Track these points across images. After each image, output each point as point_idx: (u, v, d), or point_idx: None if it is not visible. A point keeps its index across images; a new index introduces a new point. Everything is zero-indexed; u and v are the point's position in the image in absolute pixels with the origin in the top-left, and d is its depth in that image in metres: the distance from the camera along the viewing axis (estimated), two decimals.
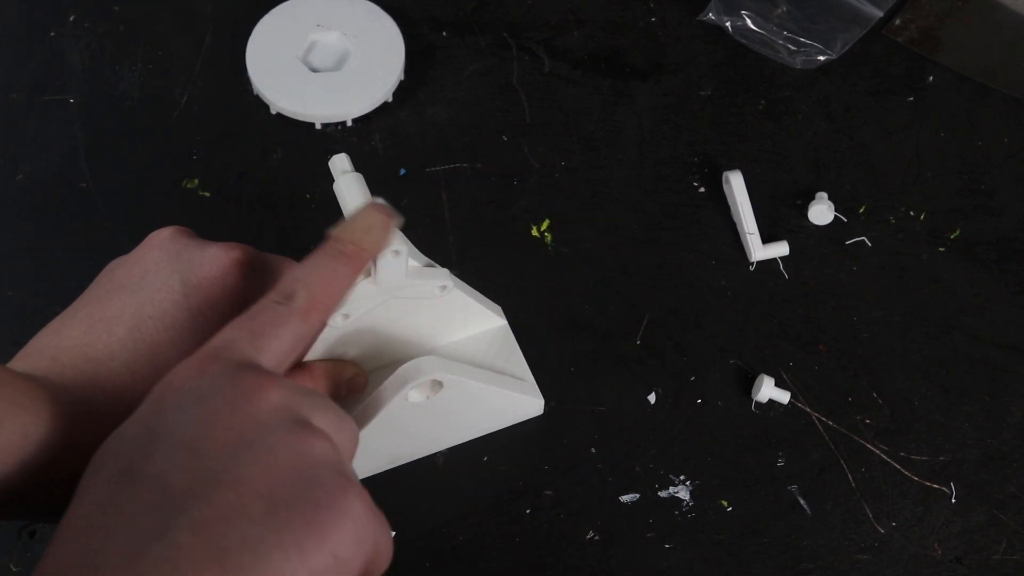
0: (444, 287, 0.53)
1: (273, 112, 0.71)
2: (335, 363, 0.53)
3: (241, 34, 0.73)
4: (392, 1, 0.75)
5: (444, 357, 0.55)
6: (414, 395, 0.54)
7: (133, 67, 0.73)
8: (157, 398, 0.36)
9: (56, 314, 0.47)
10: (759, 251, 0.66)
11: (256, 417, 0.34)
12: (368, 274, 0.51)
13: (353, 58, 0.72)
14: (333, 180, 0.50)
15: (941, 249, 0.68)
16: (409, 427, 0.56)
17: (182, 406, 0.34)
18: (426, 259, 0.53)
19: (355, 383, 0.54)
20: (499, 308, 0.61)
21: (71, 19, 0.75)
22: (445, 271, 0.54)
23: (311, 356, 0.55)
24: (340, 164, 0.54)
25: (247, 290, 0.48)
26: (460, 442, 0.60)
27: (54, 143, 0.70)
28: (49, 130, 0.70)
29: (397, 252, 0.49)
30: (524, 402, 0.60)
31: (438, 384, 0.54)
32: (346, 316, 0.52)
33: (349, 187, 0.52)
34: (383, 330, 0.56)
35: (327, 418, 0.37)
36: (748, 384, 0.63)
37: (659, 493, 0.60)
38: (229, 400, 0.34)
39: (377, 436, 0.55)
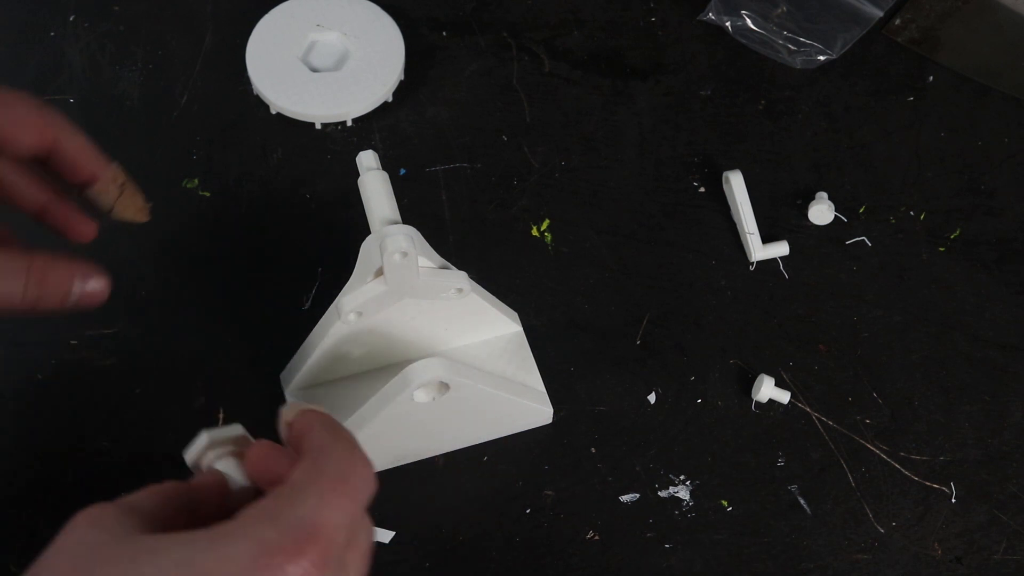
0: (460, 290, 0.53)
1: (273, 112, 0.71)
2: None
3: (241, 34, 0.73)
4: (392, 1, 0.75)
5: (454, 359, 0.55)
6: (420, 395, 0.54)
7: (133, 67, 0.73)
8: None
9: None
10: (759, 251, 0.66)
11: None
12: (381, 274, 0.51)
13: (353, 58, 0.72)
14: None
15: (941, 249, 0.68)
16: (414, 427, 0.56)
17: None
18: (442, 260, 0.53)
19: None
20: (515, 314, 0.61)
21: (71, 19, 0.75)
22: (463, 274, 0.53)
23: (320, 351, 0.55)
24: (366, 160, 0.54)
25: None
26: (466, 445, 0.60)
27: None
28: None
29: (405, 254, 0.49)
30: (532, 410, 0.59)
31: (445, 386, 0.53)
32: (359, 314, 0.52)
33: (373, 184, 0.52)
34: (395, 329, 0.55)
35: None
36: (748, 384, 0.63)
37: (659, 493, 0.60)
38: None
39: (381, 434, 0.54)
